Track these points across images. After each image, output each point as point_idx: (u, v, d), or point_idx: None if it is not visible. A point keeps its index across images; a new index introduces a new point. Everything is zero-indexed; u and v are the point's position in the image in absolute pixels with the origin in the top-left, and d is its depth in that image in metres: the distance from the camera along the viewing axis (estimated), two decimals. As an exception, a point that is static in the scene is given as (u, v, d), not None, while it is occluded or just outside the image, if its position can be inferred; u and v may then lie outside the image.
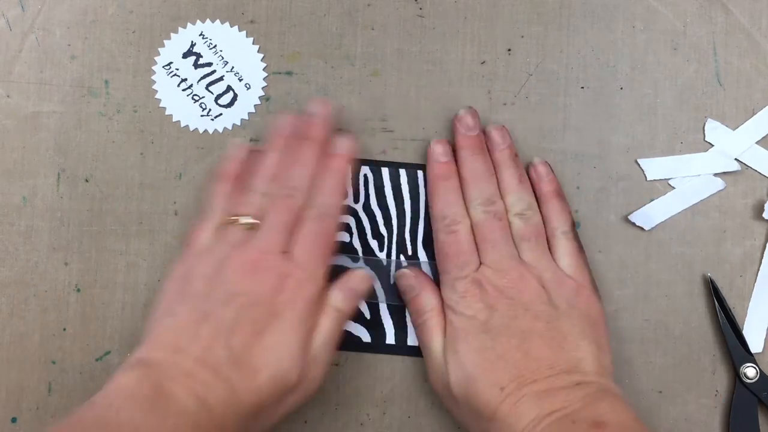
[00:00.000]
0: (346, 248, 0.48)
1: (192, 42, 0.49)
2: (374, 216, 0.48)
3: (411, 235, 0.48)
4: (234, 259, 0.43)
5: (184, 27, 0.49)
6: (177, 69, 0.49)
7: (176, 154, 0.49)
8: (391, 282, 0.47)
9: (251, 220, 0.44)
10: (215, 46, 0.49)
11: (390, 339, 0.47)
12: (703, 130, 0.49)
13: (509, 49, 0.50)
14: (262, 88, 0.49)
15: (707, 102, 0.50)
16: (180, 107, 0.49)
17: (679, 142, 0.49)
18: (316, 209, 0.44)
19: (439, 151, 0.47)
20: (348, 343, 0.47)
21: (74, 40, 0.50)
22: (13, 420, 0.48)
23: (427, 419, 0.48)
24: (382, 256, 0.48)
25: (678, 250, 0.49)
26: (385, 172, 0.48)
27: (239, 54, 0.49)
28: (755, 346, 0.48)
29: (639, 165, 0.49)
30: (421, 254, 0.48)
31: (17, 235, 0.49)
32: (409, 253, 0.47)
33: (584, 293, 0.44)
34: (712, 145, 0.49)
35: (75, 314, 0.49)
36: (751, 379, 0.47)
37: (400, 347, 0.47)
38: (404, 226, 0.48)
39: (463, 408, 0.43)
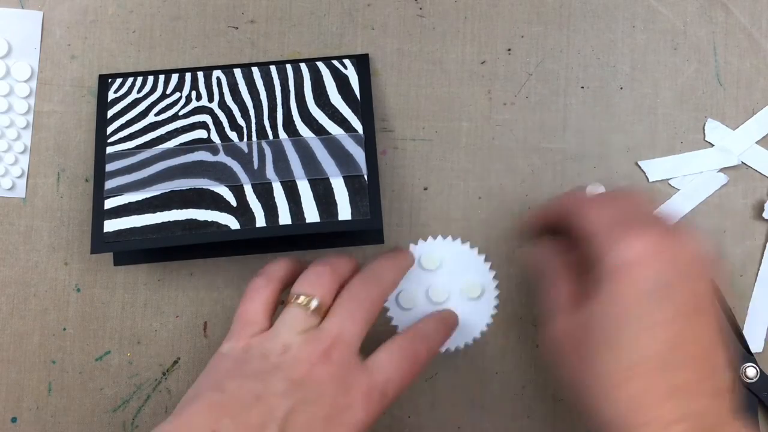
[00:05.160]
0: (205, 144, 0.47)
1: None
2: (230, 111, 0.47)
3: (270, 122, 0.47)
4: (303, 345, 0.40)
5: (184, 27, 0.49)
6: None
7: (176, 154, 0.49)
8: (255, 167, 0.46)
9: (317, 303, 0.41)
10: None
11: (260, 222, 0.45)
12: (703, 130, 0.49)
13: (509, 49, 0.50)
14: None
15: (707, 102, 0.50)
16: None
17: (679, 142, 0.49)
18: (414, 332, 0.43)
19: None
20: (215, 233, 0.45)
21: (74, 40, 0.50)
22: (13, 420, 0.48)
23: (427, 419, 0.48)
24: (243, 144, 0.47)
25: (678, 250, 0.49)
26: (237, 72, 0.48)
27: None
28: (755, 346, 0.48)
29: (640, 167, 0.49)
30: (282, 135, 0.47)
31: (17, 235, 0.49)
32: (270, 137, 0.47)
33: None
34: (712, 145, 0.49)
35: (75, 314, 0.49)
36: (751, 379, 0.47)
37: (272, 228, 0.45)
38: (262, 114, 0.47)
39: (574, 367, 0.38)
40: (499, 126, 0.49)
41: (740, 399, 0.47)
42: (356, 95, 0.47)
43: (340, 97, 0.47)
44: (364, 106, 0.47)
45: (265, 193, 0.46)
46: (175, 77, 0.48)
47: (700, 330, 0.36)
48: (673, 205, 0.49)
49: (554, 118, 0.49)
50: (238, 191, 0.46)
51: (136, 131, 0.47)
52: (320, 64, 0.48)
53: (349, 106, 0.47)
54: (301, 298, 0.41)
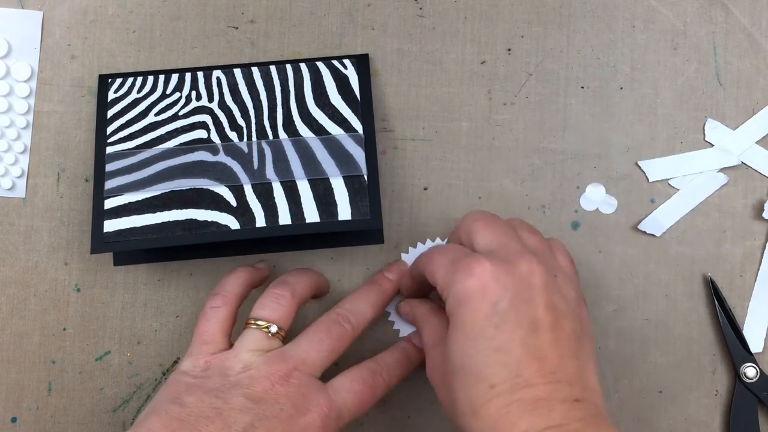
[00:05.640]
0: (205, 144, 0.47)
1: None
2: (231, 111, 0.47)
3: (270, 122, 0.47)
4: (263, 365, 0.41)
5: (184, 27, 0.49)
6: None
7: (176, 154, 0.49)
8: (255, 167, 0.46)
9: (275, 328, 0.43)
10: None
11: (260, 222, 0.45)
12: (703, 130, 0.49)
13: (509, 49, 0.50)
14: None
15: (707, 102, 0.50)
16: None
17: (679, 142, 0.49)
18: (375, 362, 0.44)
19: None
20: (215, 233, 0.45)
21: (74, 40, 0.50)
22: (13, 420, 0.48)
23: (427, 419, 0.48)
24: (243, 144, 0.47)
25: (678, 250, 0.49)
26: (237, 72, 0.48)
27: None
28: (755, 346, 0.48)
29: (640, 167, 0.49)
30: (282, 135, 0.47)
31: (17, 235, 0.49)
32: (270, 137, 0.47)
33: (582, 301, 0.42)
34: (712, 145, 0.49)
35: (75, 314, 0.49)
36: (751, 379, 0.47)
37: (272, 228, 0.45)
38: (262, 114, 0.47)
39: (445, 396, 0.40)
40: (499, 126, 0.49)
41: (736, 398, 0.47)
42: (356, 95, 0.47)
43: (340, 97, 0.47)
44: (364, 106, 0.47)
45: (265, 193, 0.46)
46: (175, 77, 0.48)
47: (547, 345, 0.37)
48: (673, 207, 0.49)
49: (554, 118, 0.49)
50: (238, 191, 0.46)
51: (136, 131, 0.47)
52: (320, 64, 0.48)
53: (349, 106, 0.47)
54: (261, 323, 0.43)
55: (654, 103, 0.50)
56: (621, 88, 0.50)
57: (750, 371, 0.47)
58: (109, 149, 0.47)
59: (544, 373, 0.37)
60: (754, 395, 0.47)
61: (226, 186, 0.46)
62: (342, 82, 0.48)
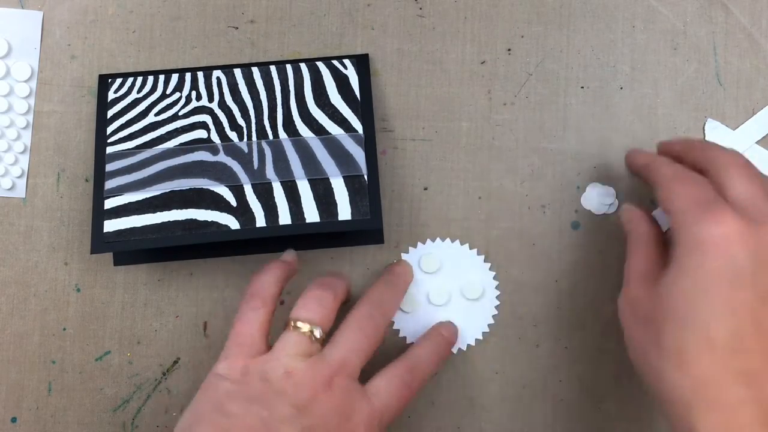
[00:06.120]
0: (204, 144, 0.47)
1: None
2: (231, 111, 0.47)
3: (270, 122, 0.47)
4: (306, 371, 0.40)
5: (184, 27, 0.49)
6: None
7: (176, 154, 0.49)
8: (255, 167, 0.46)
9: (320, 332, 0.41)
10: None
11: (260, 222, 0.45)
12: (703, 130, 0.49)
13: (509, 49, 0.50)
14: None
15: (707, 102, 0.50)
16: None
17: (679, 142, 0.49)
18: (410, 359, 0.43)
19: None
20: (215, 233, 0.45)
21: (74, 40, 0.50)
22: (13, 420, 0.48)
23: (427, 419, 0.48)
24: (243, 144, 0.47)
25: (678, 250, 0.49)
26: (237, 72, 0.48)
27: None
28: (755, 346, 0.48)
29: (639, 165, 0.49)
30: (282, 135, 0.47)
31: (17, 235, 0.49)
32: (270, 137, 0.47)
33: None
34: (712, 145, 0.49)
35: (75, 314, 0.49)
36: (752, 379, 0.47)
37: (272, 228, 0.45)
38: (262, 114, 0.47)
39: (641, 335, 0.38)
40: (499, 126, 0.49)
41: None
42: (356, 95, 0.47)
43: (340, 97, 0.47)
44: (364, 106, 0.47)
45: (265, 193, 0.46)
46: (175, 77, 0.48)
47: None
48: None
49: (554, 118, 0.49)
50: (238, 191, 0.46)
51: (136, 131, 0.47)
52: (320, 64, 0.48)
53: (349, 106, 0.47)
54: (304, 326, 0.41)
55: (654, 103, 0.50)
56: (621, 88, 0.50)
57: (750, 371, 0.47)
58: (109, 149, 0.47)
59: (764, 346, 0.35)
60: (755, 395, 0.47)
61: (226, 186, 0.46)
62: (342, 82, 0.48)
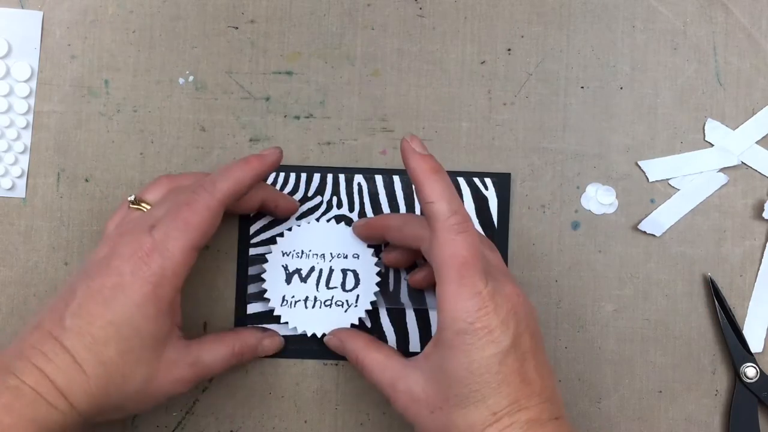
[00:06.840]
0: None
1: None
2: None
3: None
4: (118, 237, 0.42)
5: (184, 27, 0.49)
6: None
7: (176, 154, 0.49)
8: (390, 289, 0.47)
9: (145, 205, 0.44)
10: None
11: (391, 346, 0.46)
12: (703, 130, 0.49)
13: (509, 49, 0.50)
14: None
15: (707, 102, 0.50)
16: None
17: (679, 142, 0.49)
18: (195, 187, 0.42)
19: (420, 146, 0.41)
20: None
21: (74, 40, 0.50)
22: (13, 420, 0.48)
23: (427, 419, 0.48)
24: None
25: (678, 250, 0.49)
26: (378, 179, 0.48)
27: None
28: (755, 346, 0.48)
29: (640, 167, 0.49)
30: None
31: (17, 235, 0.49)
32: None
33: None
34: (712, 145, 0.49)
35: (75, 314, 0.49)
36: (751, 379, 0.47)
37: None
38: None
39: (428, 421, 0.41)
40: (499, 126, 0.49)
41: (736, 399, 0.47)
42: (493, 221, 0.48)
43: (477, 221, 0.48)
44: (500, 235, 0.48)
45: (399, 319, 0.48)
46: (316, 177, 0.48)
47: (532, 369, 0.39)
48: (673, 207, 0.49)
49: (554, 118, 0.49)
50: (373, 314, 0.48)
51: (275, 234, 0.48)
52: (461, 180, 0.48)
53: (485, 232, 0.48)
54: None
55: (654, 103, 0.50)
56: (621, 88, 0.50)
57: (750, 371, 0.47)
58: (252, 251, 0.48)
59: (533, 395, 0.39)
60: (754, 395, 0.47)
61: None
62: (482, 204, 0.48)
